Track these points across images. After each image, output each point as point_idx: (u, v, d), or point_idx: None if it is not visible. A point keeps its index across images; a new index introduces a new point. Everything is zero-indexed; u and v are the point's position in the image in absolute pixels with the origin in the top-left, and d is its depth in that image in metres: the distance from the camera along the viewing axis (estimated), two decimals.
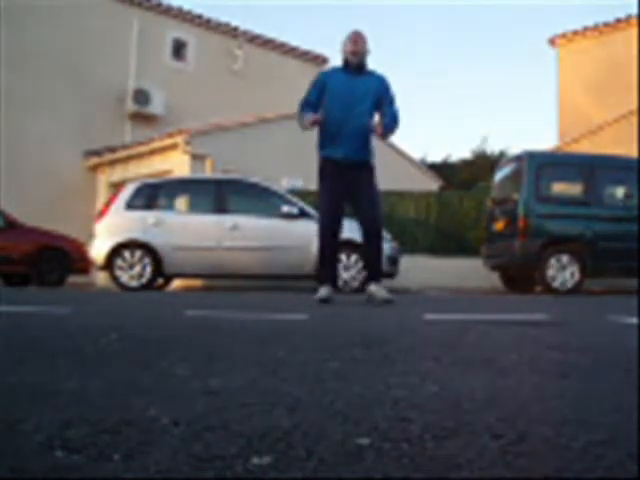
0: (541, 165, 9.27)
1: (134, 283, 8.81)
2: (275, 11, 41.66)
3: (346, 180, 5.24)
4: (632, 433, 1.17)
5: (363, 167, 5.30)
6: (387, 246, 9.21)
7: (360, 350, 2.29)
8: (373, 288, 5.18)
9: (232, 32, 18.52)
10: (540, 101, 47.33)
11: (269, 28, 54.39)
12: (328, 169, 5.28)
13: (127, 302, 5.78)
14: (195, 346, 2.42)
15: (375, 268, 5.28)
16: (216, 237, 8.99)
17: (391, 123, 5.21)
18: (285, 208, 9.05)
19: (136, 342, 2.50)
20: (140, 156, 14.69)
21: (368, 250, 5.34)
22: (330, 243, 5.28)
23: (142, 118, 16.64)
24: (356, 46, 5.24)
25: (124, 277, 8.86)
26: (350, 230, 9.10)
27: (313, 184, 13.69)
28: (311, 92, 5.30)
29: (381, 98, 5.28)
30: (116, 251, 8.90)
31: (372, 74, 5.35)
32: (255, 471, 0.96)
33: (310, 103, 5.26)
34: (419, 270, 11.47)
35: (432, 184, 16.83)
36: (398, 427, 1.21)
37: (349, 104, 5.18)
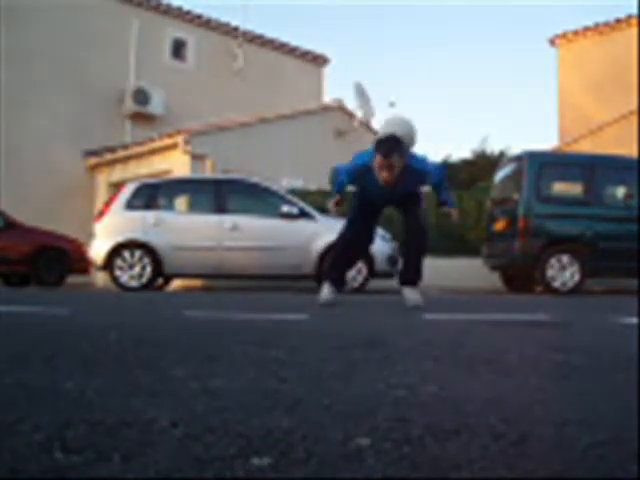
0: (541, 165, 9.26)
1: (134, 283, 8.80)
2: (275, 11, 41.65)
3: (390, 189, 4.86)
4: (633, 433, 1.16)
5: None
6: (387, 246, 9.23)
7: (360, 350, 2.28)
8: (406, 292, 5.09)
9: (232, 32, 18.52)
10: (540, 101, 47.32)
11: (269, 28, 54.34)
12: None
13: (127, 302, 5.77)
14: (194, 346, 2.42)
15: (410, 272, 5.10)
16: (216, 237, 8.99)
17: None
18: (285, 208, 9.05)
19: (135, 342, 2.49)
20: (140, 156, 14.69)
21: (407, 253, 5.18)
22: (347, 256, 5.21)
23: (142, 118, 16.63)
24: (389, 174, 4.59)
25: (124, 277, 8.85)
26: None
27: (313, 184, 13.57)
28: (340, 184, 5.01)
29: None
30: (116, 251, 8.90)
31: (410, 169, 4.74)
32: (255, 472, 0.95)
33: (337, 191, 5.04)
34: None
35: None
36: (398, 427, 1.20)
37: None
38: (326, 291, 5.13)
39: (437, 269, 11.89)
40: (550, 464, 1.00)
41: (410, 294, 5.04)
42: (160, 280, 9.43)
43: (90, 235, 9.38)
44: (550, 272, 8.87)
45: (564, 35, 17.79)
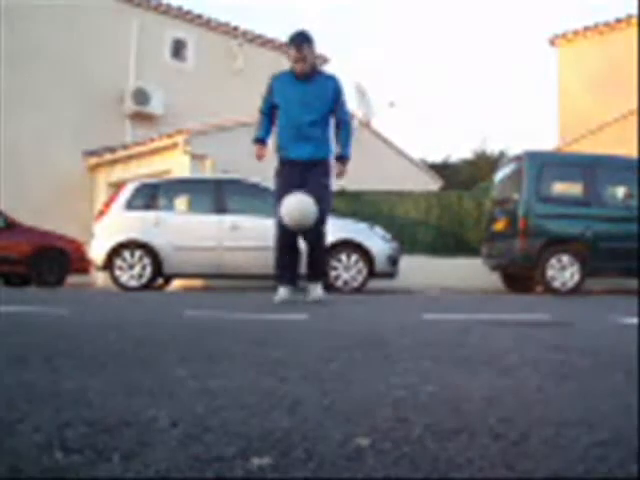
0: (541, 165, 9.26)
1: (134, 283, 8.80)
2: (275, 11, 41.66)
3: (300, 178, 5.27)
4: (633, 434, 1.16)
5: (316, 165, 5.32)
6: (387, 246, 9.22)
7: (360, 350, 2.28)
8: (311, 288, 5.28)
9: (232, 32, 18.52)
10: (540, 101, 47.31)
11: (269, 28, 54.40)
12: (286, 168, 5.31)
13: (127, 302, 5.77)
14: (194, 346, 2.42)
15: (317, 267, 5.30)
16: (216, 237, 8.99)
17: (347, 140, 5.33)
18: None
19: (135, 342, 2.49)
20: (140, 156, 14.68)
21: (310, 245, 5.30)
22: (292, 242, 5.27)
23: (142, 118, 16.63)
24: (301, 61, 5.15)
25: (124, 277, 8.85)
26: (349, 230, 9.12)
27: None
28: (265, 101, 5.37)
29: (335, 104, 5.30)
30: (116, 251, 8.90)
31: (321, 75, 5.31)
32: (255, 472, 0.95)
33: (266, 113, 5.36)
34: (419, 270, 11.47)
35: (432, 184, 16.83)
36: (398, 427, 1.20)
37: (302, 111, 5.23)
38: (283, 290, 5.21)
39: (437, 269, 11.90)
40: (550, 464, 1.00)
41: (314, 290, 5.19)
42: (160, 280, 9.43)
43: (90, 235, 9.38)
44: (550, 272, 8.87)
45: (564, 35, 17.78)
